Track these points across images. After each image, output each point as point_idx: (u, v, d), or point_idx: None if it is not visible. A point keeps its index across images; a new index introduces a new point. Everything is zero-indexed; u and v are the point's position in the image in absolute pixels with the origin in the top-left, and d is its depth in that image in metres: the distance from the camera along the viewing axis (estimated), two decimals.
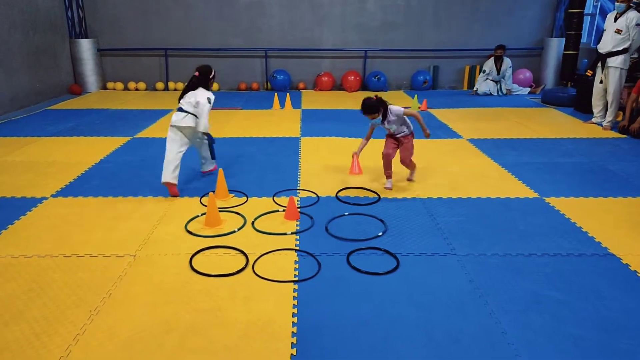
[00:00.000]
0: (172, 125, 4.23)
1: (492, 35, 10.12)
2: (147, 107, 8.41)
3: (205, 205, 4.02)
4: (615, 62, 6.60)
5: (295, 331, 2.50)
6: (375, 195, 4.34)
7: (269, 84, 10.32)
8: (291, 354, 2.33)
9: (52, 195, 4.35)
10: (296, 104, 8.74)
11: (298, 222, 3.80)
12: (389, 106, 4.29)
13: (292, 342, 2.41)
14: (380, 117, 4.28)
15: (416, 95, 8.58)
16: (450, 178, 4.79)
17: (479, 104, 8.80)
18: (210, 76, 4.32)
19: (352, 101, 9.02)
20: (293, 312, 2.65)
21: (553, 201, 4.23)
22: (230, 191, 4.40)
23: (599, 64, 6.84)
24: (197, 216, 3.89)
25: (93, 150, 5.75)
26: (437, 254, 3.31)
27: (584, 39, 10.18)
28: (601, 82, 6.87)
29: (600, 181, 4.73)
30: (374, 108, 4.22)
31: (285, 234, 3.60)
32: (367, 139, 4.56)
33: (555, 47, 10.03)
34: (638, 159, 5.46)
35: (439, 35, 10.22)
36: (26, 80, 8.37)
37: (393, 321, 2.58)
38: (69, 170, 5.02)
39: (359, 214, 3.94)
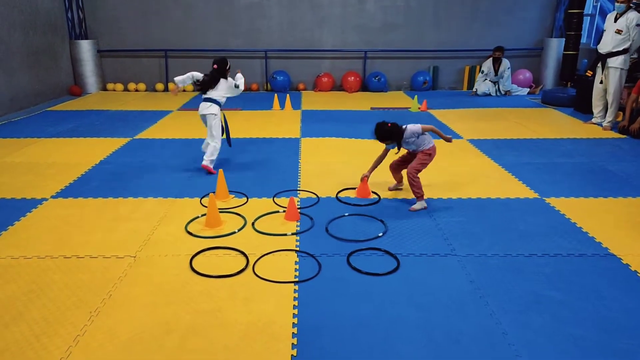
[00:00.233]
0: (200, 115, 4.90)
1: (492, 35, 10.12)
2: (147, 108, 8.41)
3: (206, 206, 4.02)
4: (615, 62, 6.61)
5: (295, 332, 2.50)
6: (376, 196, 4.34)
7: (268, 84, 10.31)
8: (291, 355, 2.33)
9: (52, 197, 4.35)
10: (296, 104, 8.74)
11: (298, 223, 3.80)
12: (406, 127, 4.02)
13: (292, 343, 2.41)
14: (394, 143, 4.06)
15: (416, 96, 8.58)
16: (450, 178, 4.80)
17: (479, 104, 8.80)
18: (227, 67, 4.91)
19: (352, 102, 9.03)
20: (293, 313, 2.65)
21: (553, 201, 4.23)
22: (231, 192, 4.40)
23: (599, 65, 6.84)
24: (198, 217, 3.90)
25: (93, 151, 5.75)
26: (438, 254, 3.31)
27: (583, 40, 10.18)
28: (601, 82, 6.87)
29: (600, 181, 4.73)
30: (389, 136, 4.00)
31: (285, 234, 3.60)
32: (379, 162, 4.31)
33: (555, 47, 10.03)
34: (638, 159, 5.46)
35: (439, 35, 10.22)
36: (26, 81, 8.37)
37: (393, 322, 2.58)
38: (69, 171, 5.03)
39: (359, 215, 3.95)
